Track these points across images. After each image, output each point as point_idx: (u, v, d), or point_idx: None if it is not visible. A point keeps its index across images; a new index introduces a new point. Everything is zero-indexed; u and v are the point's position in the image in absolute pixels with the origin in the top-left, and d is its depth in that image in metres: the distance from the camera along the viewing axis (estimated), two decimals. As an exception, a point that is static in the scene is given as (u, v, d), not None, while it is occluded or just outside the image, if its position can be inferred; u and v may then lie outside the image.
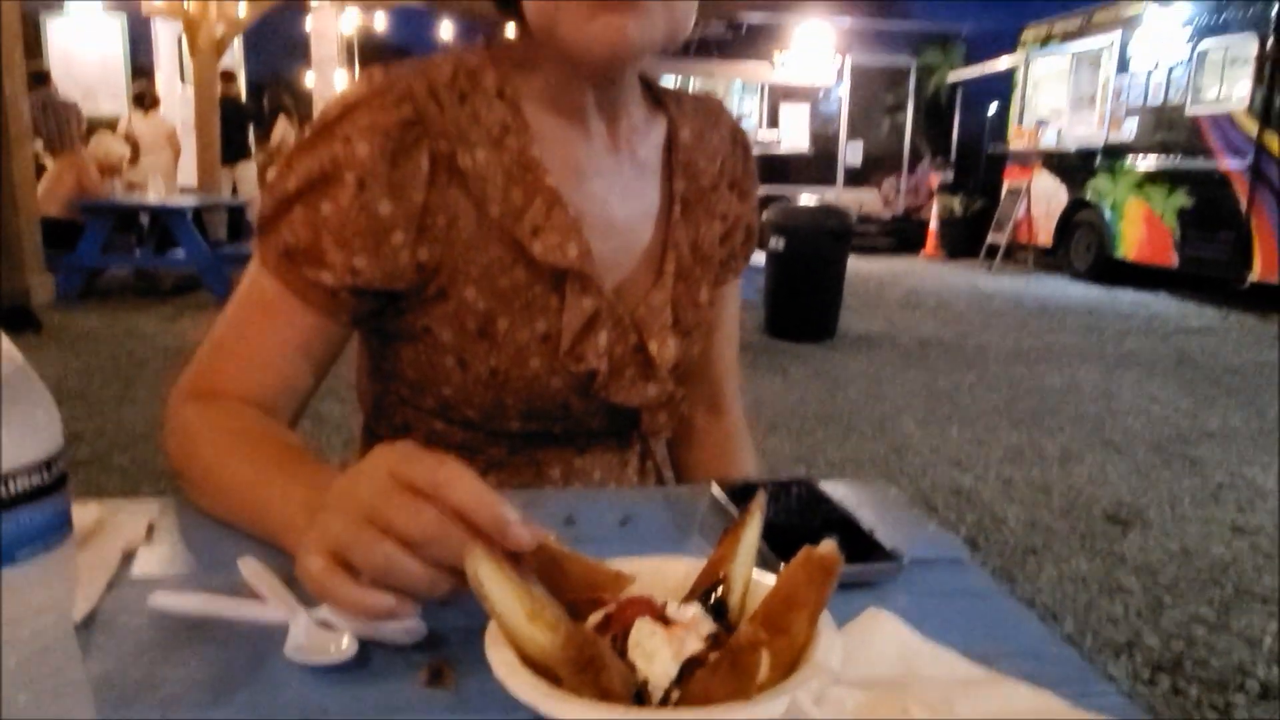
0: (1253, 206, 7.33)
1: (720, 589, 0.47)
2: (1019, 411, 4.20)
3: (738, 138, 0.88)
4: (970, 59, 12.96)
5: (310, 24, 12.46)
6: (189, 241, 6.45)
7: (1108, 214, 9.09)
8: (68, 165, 6.51)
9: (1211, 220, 7.77)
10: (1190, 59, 8.07)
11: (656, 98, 0.84)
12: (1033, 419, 4.08)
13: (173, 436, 0.68)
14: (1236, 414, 4.23)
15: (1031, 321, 6.85)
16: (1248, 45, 7.42)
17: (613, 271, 0.77)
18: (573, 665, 0.38)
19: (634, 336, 0.77)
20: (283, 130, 10.68)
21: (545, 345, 0.73)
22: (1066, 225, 9.82)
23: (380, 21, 12.76)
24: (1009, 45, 11.36)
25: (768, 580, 0.48)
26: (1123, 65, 9.01)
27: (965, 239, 11.56)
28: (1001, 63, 11.58)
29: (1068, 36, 10.10)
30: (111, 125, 8.14)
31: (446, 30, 11.56)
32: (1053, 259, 10.17)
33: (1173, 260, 8.23)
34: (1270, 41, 7.18)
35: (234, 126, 9.66)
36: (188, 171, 9.00)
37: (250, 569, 0.56)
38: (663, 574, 0.50)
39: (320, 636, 0.49)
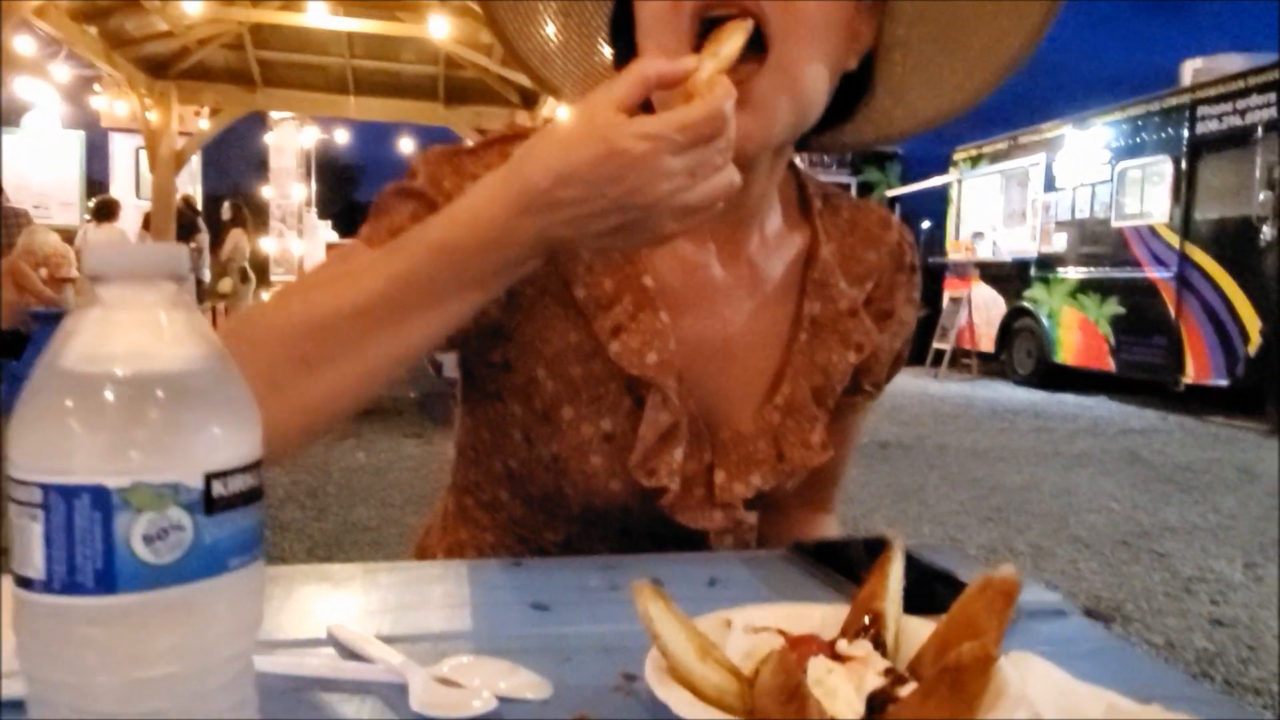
0: (1180, 313, 7.72)
1: (875, 626, 0.45)
2: (986, 509, 4.23)
3: (902, 258, 0.81)
4: (907, 177, 13.69)
5: (270, 138, 12.69)
6: (139, 349, 6.31)
7: (1045, 321, 9.47)
8: (2, 273, 6.34)
9: (1143, 326, 8.14)
10: (1112, 178, 8.63)
11: (807, 205, 0.77)
12: (1000, 516, 4.11)
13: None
14: (1193, 509, 4.32)
15: (984, 423, 6.99)
16: (1163, 166, 7.97)
17: (706, 389, 0.72)
18: (779, 695, 0.36)
19: (709, 458, 0.72)
20: (235, 241, 10.61)
21: (609, 445, 0.69)
22: (1007, 332, 10.19)
23: (341, 136, 13.03)
24: (942, 164, 12.03)
25: (914, 621, 0.47)
26: (1049, 183, 9.57)
27: (912, 346, 11.88)
28: (935, 181, 12.24)
29: (996, 158, 10.73)
30: (68, 236, 8.04)
31: (407, 145, 11.83)
32: (996, 364, 10.49)
33: (1110, 365, 8.55)
34: (1184, 162, 7.73)
35: (183, 236, 9.64)
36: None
37: (345, 634, 0.52)
38: (799, 619, 0.48)
39: (444, 693, 0.46)
